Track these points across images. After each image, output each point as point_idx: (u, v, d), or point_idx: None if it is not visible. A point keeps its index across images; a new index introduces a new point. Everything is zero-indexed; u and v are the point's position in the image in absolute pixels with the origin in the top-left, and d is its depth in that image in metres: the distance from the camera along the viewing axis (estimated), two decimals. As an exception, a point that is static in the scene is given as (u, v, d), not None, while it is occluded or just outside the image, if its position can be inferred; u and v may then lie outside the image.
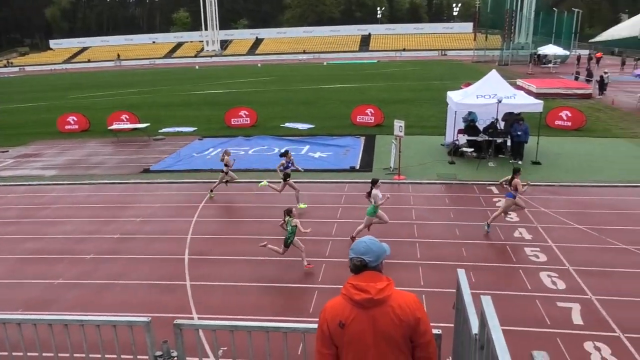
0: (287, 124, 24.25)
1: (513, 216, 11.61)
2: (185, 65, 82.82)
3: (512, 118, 16.32)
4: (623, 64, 49.25)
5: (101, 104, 35.49)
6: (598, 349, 6.66)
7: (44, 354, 4.39)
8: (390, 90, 37.01)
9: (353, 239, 10.12)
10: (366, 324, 2.98)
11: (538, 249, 9.87)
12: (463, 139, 17.14)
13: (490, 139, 16.19)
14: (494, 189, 13.64)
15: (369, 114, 23.31)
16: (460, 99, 16.45)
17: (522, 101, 16.20)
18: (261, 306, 8.11)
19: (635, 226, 10.90)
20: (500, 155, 16.64)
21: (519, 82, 33.55)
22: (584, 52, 56.91)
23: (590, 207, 12.06)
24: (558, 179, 14.32)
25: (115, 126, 23.48)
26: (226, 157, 13.65)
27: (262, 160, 17.32)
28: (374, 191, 9.98)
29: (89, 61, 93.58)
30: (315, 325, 3.23)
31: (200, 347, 4.70)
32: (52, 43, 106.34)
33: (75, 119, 25.41)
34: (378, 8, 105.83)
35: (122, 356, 4.22)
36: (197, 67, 75.80)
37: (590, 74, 36.40)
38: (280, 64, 74.62)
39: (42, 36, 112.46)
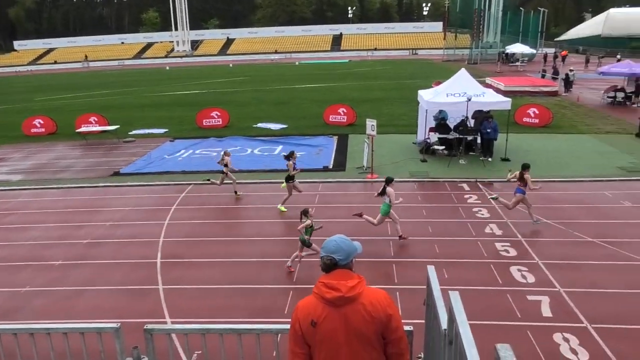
0: (259, 124, 24.13)
1: (484, 212, 11.83)
2: (155, 66, 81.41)
3: (482, 116, 16.62)
4: (587, 61, 50.62)
5: (69, 106, 34.61)
6: (567, 340, 6.84)
7: (9, 365, 4.28)
8: (362, 89, 37.20)
9: (402, 237, 10.27)
10: (338, 322, 2.99)
11: (508, 244, 10.08)
12: (434, 137, 17.36)
13: (461, 136, 16.46)
14: (465, 186, 13.86)
15: (342, 113, 23.39)
16: (431, 98, 16.66)
17: (491, 99, 16.49)
18: (236, 308, 8.05)
19: (601, 219, 11.23)
20: (470, 153, 16.92)
21: (488, 80, 34.17)
22: (550, 51, 58.21)
23: (558, 202, 12.37)
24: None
25: (83, 129, 22.93)
26: (226, 157, 13.63)
27: (235, 161, 17.12)
28: (389, 189, 10.04)
29: (55, 63, 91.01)
30: (288, 326, 3.23)
31: (172, 352, 4.65)
32: (17, 44, 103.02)
33: (42, 122, 24.72)
34: (349, 8, 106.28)
35: (92, 364, 4.13)
36: (167, 67, 74.66)
37: (556, 72, 37.26)
38: (252, 64, 74.17)
39: (6, 37, 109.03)
